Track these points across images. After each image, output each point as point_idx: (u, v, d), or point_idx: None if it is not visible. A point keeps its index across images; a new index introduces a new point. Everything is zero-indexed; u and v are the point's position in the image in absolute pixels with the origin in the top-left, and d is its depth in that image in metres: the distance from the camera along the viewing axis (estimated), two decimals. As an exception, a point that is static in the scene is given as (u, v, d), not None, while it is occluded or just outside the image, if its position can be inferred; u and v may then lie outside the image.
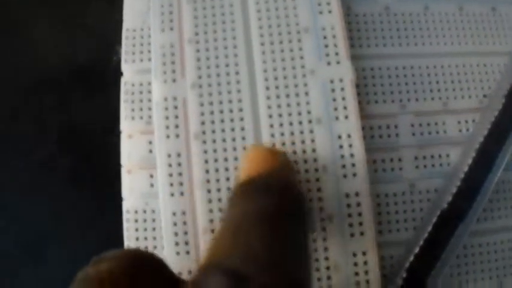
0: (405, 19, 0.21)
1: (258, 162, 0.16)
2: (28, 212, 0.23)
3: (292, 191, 0.15)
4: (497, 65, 0.21)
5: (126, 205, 0.19)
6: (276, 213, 0.14)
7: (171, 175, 0.18)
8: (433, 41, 0.21)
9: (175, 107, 0.18)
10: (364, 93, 0.20)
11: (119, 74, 0.21)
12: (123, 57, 0.20)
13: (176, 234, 0.18)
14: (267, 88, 0.18)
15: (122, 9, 0.21)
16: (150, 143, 0.19)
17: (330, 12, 0.19)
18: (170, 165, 0.18)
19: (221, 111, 0.18)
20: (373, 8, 0.21)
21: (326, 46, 0.19)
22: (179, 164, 0.18)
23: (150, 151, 0.19)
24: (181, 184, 0.18)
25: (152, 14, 0.19)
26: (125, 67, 0.20)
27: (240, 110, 0.18)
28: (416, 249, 0.18)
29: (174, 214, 0.18)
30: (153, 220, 0.19)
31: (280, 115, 0.18)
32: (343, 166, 0.18)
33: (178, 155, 0.18)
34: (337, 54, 0.19)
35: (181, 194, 0.18)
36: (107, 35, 0.23)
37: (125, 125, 0.20)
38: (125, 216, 0.19)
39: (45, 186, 0.23)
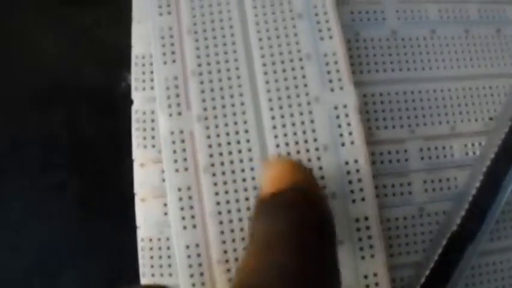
0: (412, 43, 0.21)
1: (281, 176, 0.15)
2: (39, 234, 0.23)
3: (317, 205, 0.15)
4: (502, 87, 0.21)
5: (140, 233, 0.19)
6: (303, 229, 0.14)
7: (182, 209, 0.18)
8: (440, 64, 0.21)
9: (183, 141, 0.18)
10: (374, 119, 0.20)
11: (128, 99, 0.20)
12: (133, 84, 0.20)
13: (191, 266, 0.18)
14: (273, 118, 0.19)
15: (130, 32, 0.21)
16: (163, 171, 0.19)
17: (331, 38, 0.19)
18: (181, 199, 0.18)
19: (228, 143, 0.18)
20: (381, 32, 0.21)
21: (328, 72, 0.19)
22: (190, 198, 0.18)
23: (164, 180, 0.19)
24: (193, 217, 0.18)
25: (153, 46, 0.19)
26: (135, 95, 0.20)
27: (247, 141, 0.18)
28: (427, 271, 0.18)
29: (187, 247, 0.18)
30: (168, 248, 0.19)
31: (287, 144, 0.18)
32: (352, 191, 0.18)
33: (189, 188, 0.18)
34: (340, 80, 0.19)
35: (194, 226, 0.18)
36: (115, 58, 0.23)
37: (137, 154, 0.20)
38: (139, 244, 0.19)
39: (55, 208, 0.23)
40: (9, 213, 0.23)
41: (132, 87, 0.20)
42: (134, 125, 0.20)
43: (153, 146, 0.20)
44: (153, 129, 0.20)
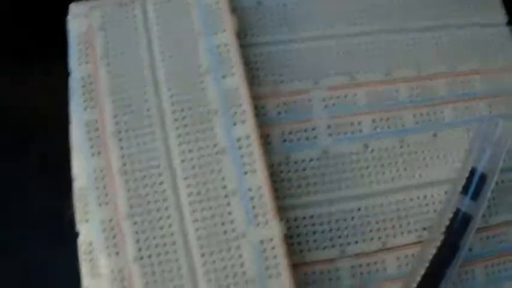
0: (344, 161, 0.21)
1: None
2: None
3: None
4: (437, 195, 0.21)
5: None
6: None
7: None
8: (373, 179, 0.21)
9: (122, 278, 0.20)
10: (305, 241, 0.20)
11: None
12: (77, 217, 0.21)
13: None
14: (203, 255, 0.20)
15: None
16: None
17: (254, 171, 0.20)
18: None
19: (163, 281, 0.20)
20: (312, 153, 0.21)
21: (254, 207, 0.20)
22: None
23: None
24: None
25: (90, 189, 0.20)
26: (80, 226, 0.21)
27: (181, 277, 0.20)
28: None
29: None
30: None
31: (217, 279, 0.20)
32: (280, 320, 0.19)
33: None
34: (265, 214, 0.20)
35: None
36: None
37: (87, 284, 0.21)
38: None
39: None
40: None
41: (77, 219, 0.21)
42: (82, 257, 0.21)
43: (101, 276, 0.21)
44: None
